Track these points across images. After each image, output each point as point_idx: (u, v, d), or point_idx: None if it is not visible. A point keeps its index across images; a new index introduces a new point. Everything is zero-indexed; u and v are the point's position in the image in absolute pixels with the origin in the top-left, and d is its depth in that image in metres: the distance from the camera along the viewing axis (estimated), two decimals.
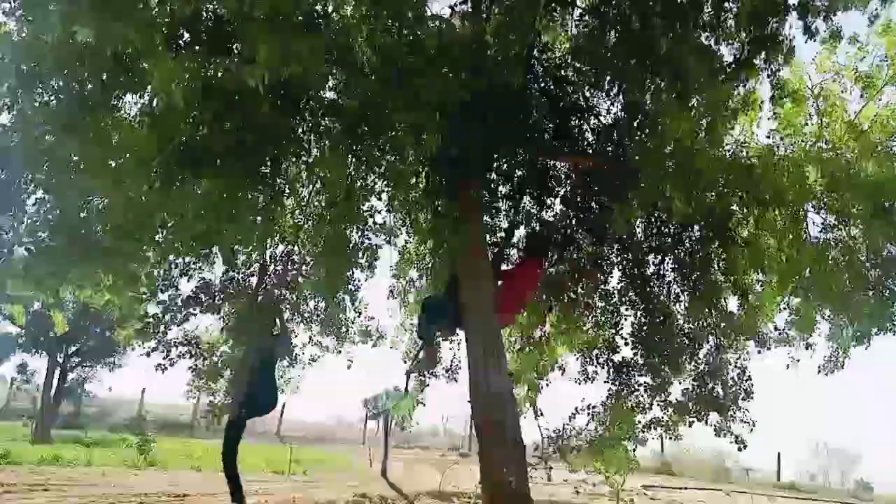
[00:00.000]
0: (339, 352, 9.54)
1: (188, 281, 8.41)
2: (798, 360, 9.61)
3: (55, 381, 20.99)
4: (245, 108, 5.36)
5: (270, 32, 4.43)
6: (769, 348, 9.37)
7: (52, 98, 5.46)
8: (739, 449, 8.77)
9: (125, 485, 9.88)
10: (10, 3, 5.12)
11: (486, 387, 7.34)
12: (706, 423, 8.75)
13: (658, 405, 8.83)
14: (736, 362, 9.04)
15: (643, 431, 8.96)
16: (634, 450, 9.36)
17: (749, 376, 8.92)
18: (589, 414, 8.96)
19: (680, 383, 8.87)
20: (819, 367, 9.81)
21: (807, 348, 9.51)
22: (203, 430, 25.15)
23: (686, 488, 17.54)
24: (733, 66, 6.60)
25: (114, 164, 5.36)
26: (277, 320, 7.87)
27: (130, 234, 5.76)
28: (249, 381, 7.30)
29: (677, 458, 24.68)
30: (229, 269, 8.57)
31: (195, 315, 8.53)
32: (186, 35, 5.26)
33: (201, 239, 6.26)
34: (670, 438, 9.37)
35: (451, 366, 9.69)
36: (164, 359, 8.50)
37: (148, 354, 8.53)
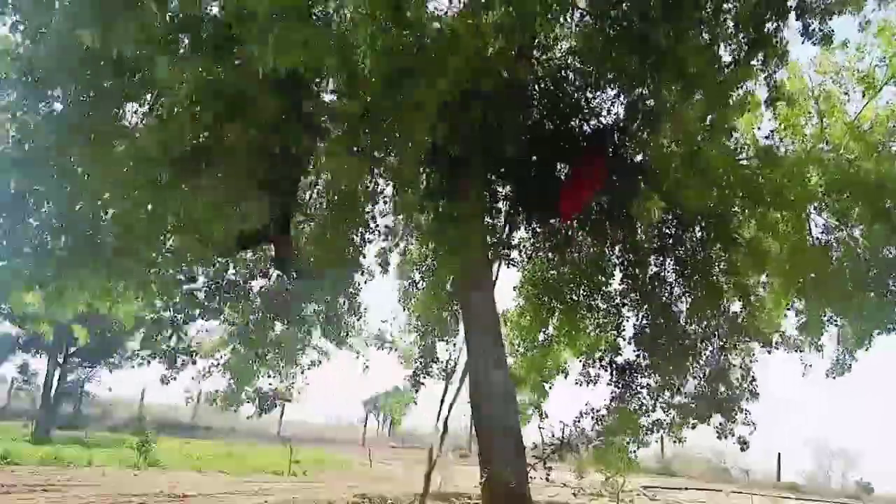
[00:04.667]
0: (327, 354, 9.54)
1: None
2: (811, 366, 9.63)
3: (55, 382, 20.95)
4: (249, 110, 5.37)
5: (278, 25, 4.45)
6: (777, 348, 9.36)
7: (57, 105, 5.48)
8: (742, 449, 8.77)
9: (125, 485, 9.88)
10: (13, 11, 5.13)
11: (486, 387, 7.36)
12: (709, 424, 8.75)
13: (661, 407, 8.81)
14: (741, 364, 9.03)
15: (646, 434, 8.93)
16: (636, 451, 9.30)
17: (754, 377, 8.92)
18: (593, 418, 8.92)
19: (683, 385, 8.85)
20: (826, 371, 9.81)
21: (817, 350, 9.52)
22: (203, 430, 25.15)
23: (686, 489, 17.55)
24: (732, 66, 6.61)
25: (118, 170, 5.36)
26: None
27: (139, 236, 5.77)
28: None
29: (677, 458, 24.66)
30: (230, 271, 8.55)
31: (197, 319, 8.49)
32: (190, 37, 5.26)
33: (210, 240, 6.26)
34: (673, 442, 9.34)
35: (447, 367, 9.69)
36: (167, 369, 8.45)
37: (148, 363, 8.49)
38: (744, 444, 8.72)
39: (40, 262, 5.68)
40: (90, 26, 4.20)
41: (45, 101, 5.42)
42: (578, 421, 8.97)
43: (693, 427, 8.79)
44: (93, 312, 8.37)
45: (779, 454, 24.77)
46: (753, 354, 9.14)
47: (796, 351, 9.61)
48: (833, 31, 6.66)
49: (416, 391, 9.61)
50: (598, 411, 8.91)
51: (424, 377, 9.56)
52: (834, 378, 9.70)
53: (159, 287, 7.12)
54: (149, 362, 8.65)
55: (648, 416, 8.80)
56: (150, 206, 5.46)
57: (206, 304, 8.28)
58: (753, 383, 8.84)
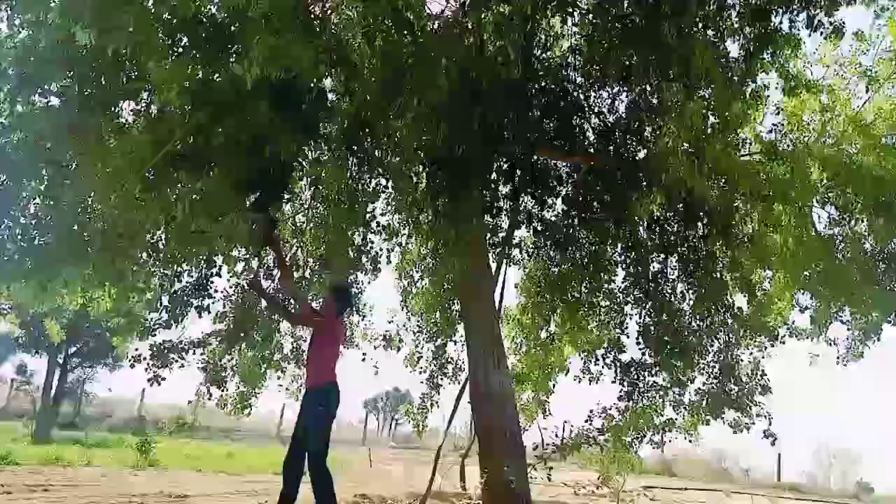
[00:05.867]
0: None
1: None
2: (818, 355, 9.64)
3: (55, 382, 20.97)
4: (242, 111, 5.34)
5: (267, 31, 4.42)
6: (783, 343, 9.32)
7: (50, 101, 5.45)
8: (772, 444, 8.67)
9: (125, 485, 9.85)
10: (7, 7, 5.10)
11: (486, 387, 7.34)
12: (723, 421, 8.67)
13: (671, 405, 8.72)
14: (750, 358, 8.97)
15: (659, 433, 8.82)
16: (637, 451, 9.23)
17: (764, 371, 8.85)
18: (602, 417, 8.79)
19: (692, 382, 8.76)
20: (838, 358, 9.83)
21: (829, 344, 9.54)
22: (203, 430, 25.13)
23: (686, 489, 17.50)
24: (739, 61, 6.56)
25: (110, 167, 5.33)
26: None
27: (125, 234, 5.73)
28: None
29: (678, 458, 24.63)
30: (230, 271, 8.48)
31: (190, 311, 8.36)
32: (186, 38, 5.24)
33: (197, 240, 6.21)
34: (689, 441, 9.27)
35: (455, 367, 9.67)
36: (155, 366, 8.19)
37: (135, 365, 8.29)
38: (773, 439, 8.60)
39: (25, 256, 5.62)
40: (86, 21, 4.17)
41: (38, 94, 5.38)
42: (589, 421, 8.82)
43: (706, 423, 8.70)
44: (83, 310, 8.20)
45: (779, 454, 24.75)
46: (761, 349, 9.10)
47: (806, 339, 9.59)
48: (843, 23, 6.57)
49: (438, 393, 9.58)
50: (608, 410, 8.81)
51: (441, 378, 9.54)
52: (845, 364, 9.70)
53: (144, 285, 7.05)
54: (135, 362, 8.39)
55: (660, 415, 8.69)
56: (138, 202, 5.41)
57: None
58: (764, 377, 8.78)
